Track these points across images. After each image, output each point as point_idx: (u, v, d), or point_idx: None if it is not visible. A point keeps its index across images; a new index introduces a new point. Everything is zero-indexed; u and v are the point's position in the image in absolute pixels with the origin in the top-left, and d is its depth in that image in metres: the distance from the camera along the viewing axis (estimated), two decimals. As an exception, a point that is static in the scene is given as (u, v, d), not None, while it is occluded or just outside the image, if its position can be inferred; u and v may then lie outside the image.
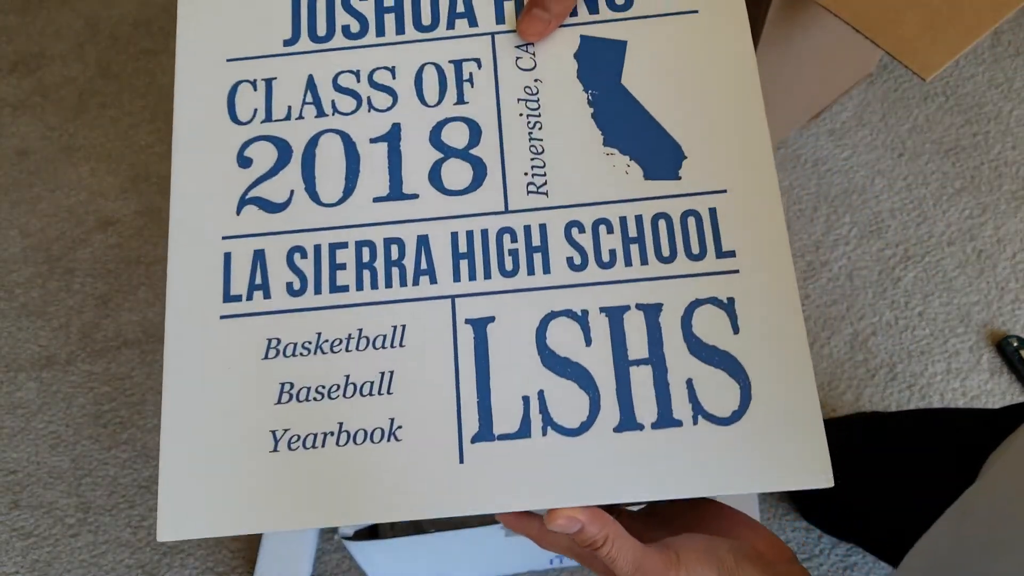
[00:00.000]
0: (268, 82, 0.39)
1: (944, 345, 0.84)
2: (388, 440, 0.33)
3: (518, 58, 0.38)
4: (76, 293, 0.89)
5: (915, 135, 1.03)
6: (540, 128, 0.37)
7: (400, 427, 0.34)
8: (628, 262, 0.35)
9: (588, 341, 0.34)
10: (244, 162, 0.38)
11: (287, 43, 0.40)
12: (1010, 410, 0.57)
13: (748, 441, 0.32)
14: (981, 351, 0.83)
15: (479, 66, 0.38)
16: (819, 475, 0.32)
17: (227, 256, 0.37)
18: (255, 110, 0.39)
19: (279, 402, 0.34)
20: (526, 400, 0.33)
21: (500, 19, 0.39)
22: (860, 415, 0.76)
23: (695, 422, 0.33)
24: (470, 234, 0.36)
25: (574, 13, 0.39)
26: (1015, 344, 0.82)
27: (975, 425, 0.58)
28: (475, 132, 0.37)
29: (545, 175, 0.36)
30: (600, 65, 0.38)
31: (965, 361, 0.83)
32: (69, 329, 0.86)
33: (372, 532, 0.62)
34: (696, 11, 0.38)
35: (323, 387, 0.34)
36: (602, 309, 0.34)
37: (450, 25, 0.39)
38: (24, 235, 0.94)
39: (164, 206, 0.96)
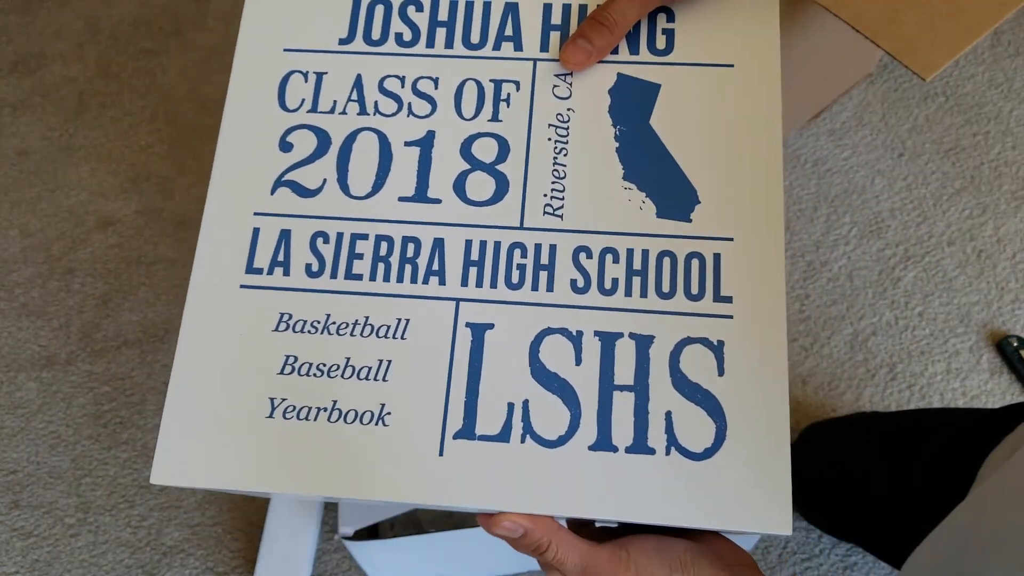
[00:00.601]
0: (319, 75, 0.41)
1: (944, 345, 0.84)
2: (376, 424, 0.35)
3: (555, 86, 0.40)
4: (76, 293, 0.89)
5: (915, 135, 1.03)
6: (565, 154, 0.38)
7: (389, 413, 0.35)
8: (628, 292, 0.36)
9: (578, 361, 0.35)
10: (285, 147, 0.40)
11: (342, 42, 0.41)
12: (1010, 410, 0.57)
13: (715, 478, 0.33)
14: (981, 351, 0.83)
15: (517, 88, 0.40)
16: (778, 524, 0.34)
17: (256, 231, 0.39)
18: (303, 100, 0.41)
19: (281, 372, 0.36)
20: (511, 406, 0.35)
21: (544, 47, 0.40)
22: (860, 415, 0.76)
23: (667, 452, 0.34)
24: (483, 244, 0.37)
25: (616, 51, 0.40)
26: (1015, 344, 0.82)
27: (975, 425, 0.58)
28: (504, 149, 0.39)
29: (563, 199, 0.38)
30: (632, 103, 0.39)
31: (965, 361, 0.83)
32: (69, 329, 0.86)
33: (372, 532, 0.62)
34: (732, 65, 0.39)
35: (324, 365, 0.36)
36: (596, 333, 0.36)
37: (496, 46, 0.41)
38: (24, 235, 0.94)
39: (164, 206, 0.96)
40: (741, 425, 0.34)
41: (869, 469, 0.65)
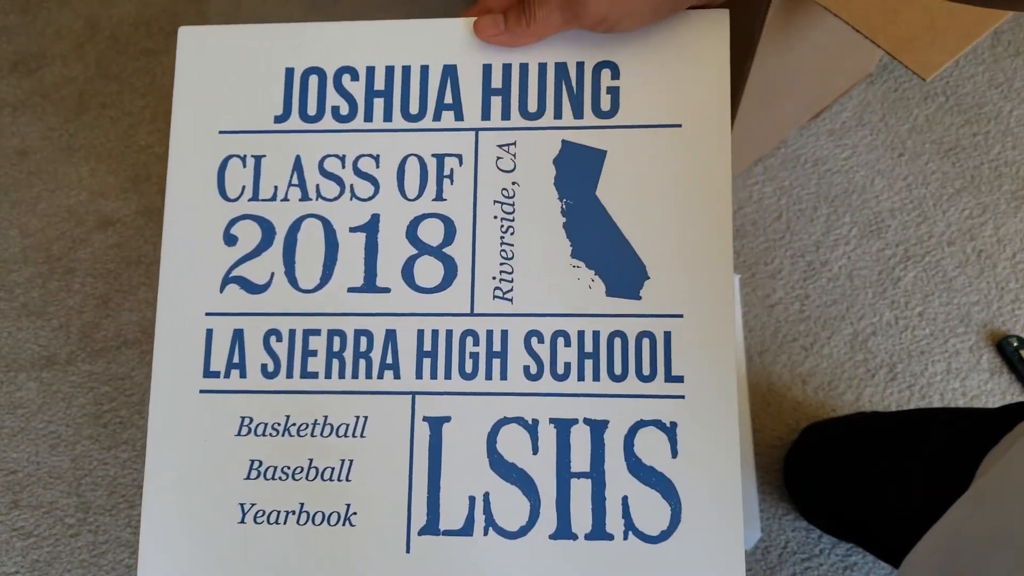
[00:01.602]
0: (257, 159, 0.40)
1: (944, 345, 0.84)
2: (343, 524, 0.36)
3: (499, 158, 0.39)
4: (76, 293, 0.89)
5: (915, 135, 1.03)
6: (512, 233, 0.38)
7: (355, 513, 0.36)
8: (581, 376, 0.37)
9: (535, 449, 0.36)
10: (230, 240, 0.39)
11: (278, 119, 0.40)
12: (1009, 409, 0.57)
13: (672, 562, 0.35)
14: (981, 351, 0.83)
15: (460, 163, 0.39)
16: None
17: (209, 332, 0.39)
18: (243, 187, 0.40)
19: (248, 477, 0.37)
20: (472, 500, 0.36)
21: (486, 115, 0.39)
22: (860, 415, 0.76)
23: (625, 537, 0.35)
24: (435, 333, 0.37)
25: (559, 115, 0.39)
26: (1015, 344, 0.82)
27: (975, 425, 0.58)
28: (450, 230, 0.38)
29: (512, 281, 0.38)
30: (578, 174, 0.38)
31: (965, 361, 0.83)
32: (69, 329, 0.86)
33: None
34: (680, 125, 0.38)
35: (288, 468, 0.37)
36: (551, 420, 0.36)
37: (436, 116, 0.39)
38: (24, 235, 0.94)
39: (164, 206, 0.96)
40: (695, 507, 0.35)
41: (869, 469, 0.65)
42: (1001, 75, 1.03)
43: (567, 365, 0.37)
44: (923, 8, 0.57)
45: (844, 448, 0.70)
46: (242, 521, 0.37)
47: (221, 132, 0.40)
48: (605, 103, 0.39)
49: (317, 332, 0.38)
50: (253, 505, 0.37)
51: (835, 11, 0.69)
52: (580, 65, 0.39)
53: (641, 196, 0.38)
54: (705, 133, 0.38)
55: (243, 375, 0.38)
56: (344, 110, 0.40)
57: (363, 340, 0.38)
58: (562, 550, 0.35)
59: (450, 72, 0.39)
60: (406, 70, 0.40)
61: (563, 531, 0.35)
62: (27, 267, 0.91)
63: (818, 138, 1.02)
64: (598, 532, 0.35)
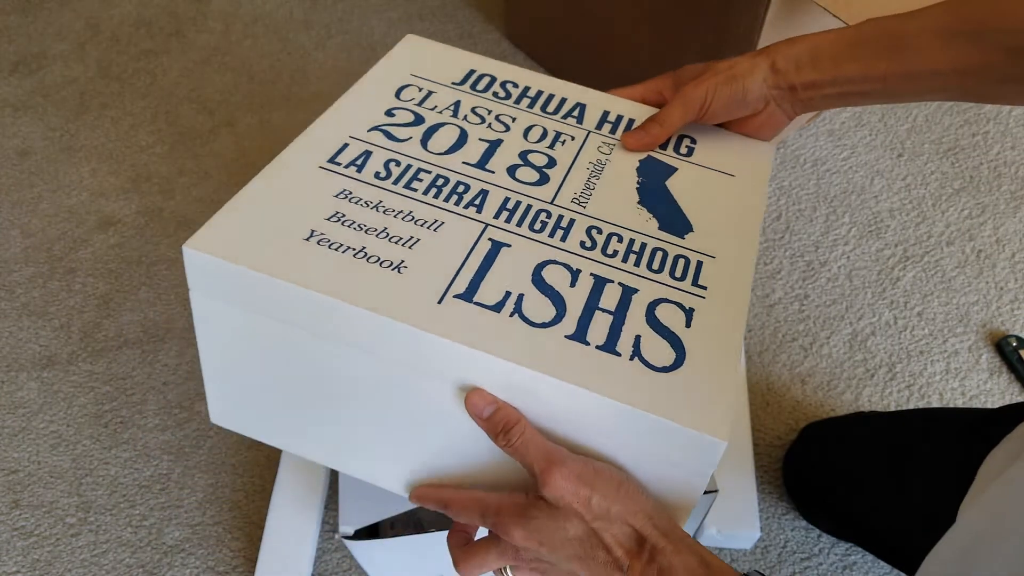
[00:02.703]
0: (428, 92, 0.55)
1: (943, 345, 0.84)
2: (392, 270, 0.42)
3: (600, 147, 0.53)
4: (77, 293, 0.89)
5: (914, 135, 1.03)
6: (597, 179, 0.50)
7: (406, 267, 0.43)
8: (625, 260, 0.45)
9: (573, 284, 0.43)
10: (389, 113, 0.53)
11: (455, 84, 0.56)
12: (1008, 410, 0.58)
13: (669, 384, 0.40)
14: (980, 351, 0.84)
15: (572, 139, 0.53)
16: (714, 428, 0.38)
17: (345, 145, 0.50)
18: (412, 98, 0.54)
19: (328, 219, 0.44)
20: (508, 293, 0.42)
21: (599, 127, 0.54)
22: (859, 415, 0.76)
23: (631, 359, 0.40)
24: (518, 202, 0.48)
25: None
26: (1014, 344, 0.83)
27: (974, 425, 0.59)
28: (551, 163, 0.51)
29: (588, 199, 0.49)
30: (654, 171, 0.52)
31: (964, 361, 0.83)
32: (70, 329, 0.86)
33: (373, 531, 0.63)
34: (733, 175, 0.52)
35: (364, 225, 0.45)
36: (592, 274, 0.44)
37: (564, 117, 0.55)
38: (25, 235, 0.94)
39: (165, 206, 0.96)
40: (698, 360, 0.41)
41: (868, 469, 0.65)
42: (1000, 75, 1.03)
43: (615, 251, 0.46)
44: (922, 9, 0.57)
45: (843, 448, 0.70)
46: (307, 239, 0.43)
47: (412, 75, 0.56)
48: (683, 149, 0.54)
49: (428, 171, 0.49)
50: (323, 234, 0.43)
51: (835, 11, 0.69)
52: None
53: (697, 192, 0.51)
54: (751, 182, 0.52)
55: (359, 171, 0.48)
56: (502, 94, 0.56)
57: (461, 186, 0.48)
58: (572, 349, 0.40)
59: (580, 105, 0.56)
60: (551, 95, 0.57)
61: (579, 336, 0.41)
62: (28, 267, 0.91)
63: (817, 138, 1.02)
64: (608, 348, 0.41)
